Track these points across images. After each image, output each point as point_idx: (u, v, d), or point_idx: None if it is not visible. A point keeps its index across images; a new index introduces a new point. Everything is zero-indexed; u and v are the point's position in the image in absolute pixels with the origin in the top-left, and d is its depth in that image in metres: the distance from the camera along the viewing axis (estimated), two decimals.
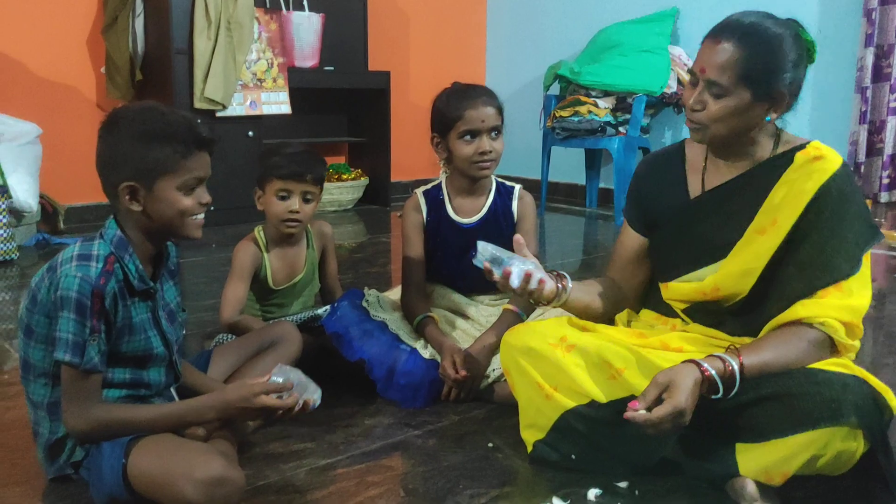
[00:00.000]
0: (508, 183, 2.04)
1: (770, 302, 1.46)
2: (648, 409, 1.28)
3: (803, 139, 1.50)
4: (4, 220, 3.19)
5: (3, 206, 3.20)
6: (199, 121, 1.40)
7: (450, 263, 2.01)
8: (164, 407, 1.40)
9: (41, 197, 3.64)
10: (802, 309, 1.39)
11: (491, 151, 1.88)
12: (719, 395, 1.31)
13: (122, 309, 1.36)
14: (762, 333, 1.44)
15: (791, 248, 1.44)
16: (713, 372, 1.31)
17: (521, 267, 1.46)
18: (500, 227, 1.97)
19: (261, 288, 2.01)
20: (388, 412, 1.78)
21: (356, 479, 1.47)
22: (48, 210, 3.79)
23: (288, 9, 4.35)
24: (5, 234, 3.19)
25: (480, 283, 1.92)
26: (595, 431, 1.45)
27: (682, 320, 1.58)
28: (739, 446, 1.36)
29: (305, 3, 4.40)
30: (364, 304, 1.90)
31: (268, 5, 4.30)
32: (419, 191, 2.02)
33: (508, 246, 1.78)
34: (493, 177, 2.02)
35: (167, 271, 1.50)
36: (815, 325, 1.38)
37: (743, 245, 1.47)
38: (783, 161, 1.46)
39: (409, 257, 1.98)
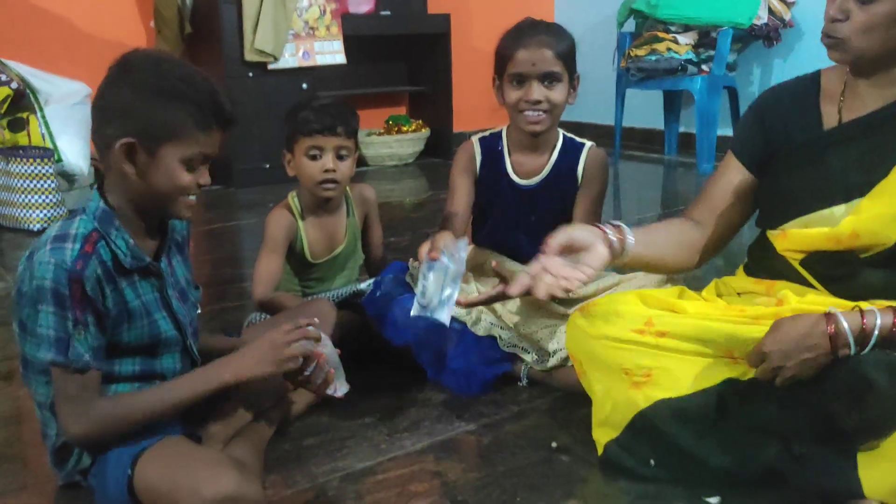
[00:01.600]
0: (579, 139, 1.77)
1: None
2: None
3: None
4: (53, 185, 3.10)
5: (52, 171, 3.10)
6: (224, 94, 1.21)
7: (505, 227, 1.77)
8: (168, 386, 1.22)
9: (94, 159, 3.55)
10: None
11: (541, 101, 1.61)
12: (852, 352, 1.10)
13: (113, 294, 1.17)
14: None
15: None
16: (846, 325, 1.09)
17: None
18: (562, 190, 1.72)
19: (298, 261, 1.81)
20: (438, 402, 1.57)
21: (397, 489, 1.27)
22: (101, 172, 3.71)
23: None
24: (54, 200, 3.10)
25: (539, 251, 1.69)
26: (684, 430, 1.22)
27: (796, 285, 1.30)
28: (862, 458, 1.11)
29: None
30: (408, 278, 1.68)
31: None
32: (475, 138, 1.79)
33: (566, 211, 1.64)
34: (560, 131, 1.75)
35: (174, 244, 1.32)
36: None
37: (888, 184, 1.22)
38: None
39: (453, 202, 1.75)
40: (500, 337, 1.63)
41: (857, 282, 1.25)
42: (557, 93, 1.62)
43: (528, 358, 1.61)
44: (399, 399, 1.58)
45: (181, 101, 1.16)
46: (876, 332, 1.08)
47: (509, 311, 1.67)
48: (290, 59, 3.87)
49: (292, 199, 1.81)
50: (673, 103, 4.50)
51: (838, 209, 1.26)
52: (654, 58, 3.88)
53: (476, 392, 1.59)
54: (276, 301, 1.70)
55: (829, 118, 1.32)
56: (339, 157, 1.74)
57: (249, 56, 3.75)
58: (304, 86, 3.94)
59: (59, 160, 3.23)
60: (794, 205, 1.31)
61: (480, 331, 1.63)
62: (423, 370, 1.62)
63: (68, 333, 1.12)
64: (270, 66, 3.82)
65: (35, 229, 3.07)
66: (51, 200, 3.09)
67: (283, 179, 1.82)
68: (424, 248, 1.51)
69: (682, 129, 4.54)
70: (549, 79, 1.61)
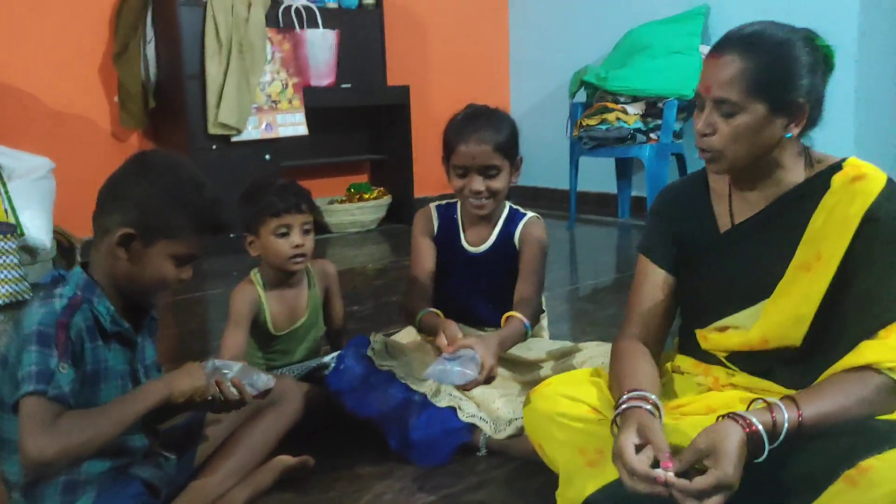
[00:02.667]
0: (522, 210, 1.89)
1: (826, 347, 1.27)
2: (686, 476, 1.10)
3: (835, 157, 1.32)
4: (15, 261, 3.10)
5: (14, 246, 3.11)
6: (224, 206, 1.35)
7: (461, 291, 1.88)
8: (113, 403, 1.26)
9: (56, 231, 3.56)
10: (870, 352, 1.20)
11: (482, 191, 1.74)
12: (763, 457, 1.13)
13: (92, 351, 1.25)
14: (821, 379, 1.25)
15: (843, 284, 1.25)
16: (760, 427, 1.12)
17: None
18: (506, 257, 1.84)
19: (261, 334, 1.87)
20: (402, 474, 1.62)
21: None
22: (64, 245, 3.71)
23: (301, 27, 4.23)
24: (17, 275, 3.10)
25: (493, 316, 1.78)
26: None
27: (726, 369, 1.39)
28: None
29: (319, 20, 4.28)
30: (370, 352, 1.74)
31: (281, 24, 4.18)
32: (433, 205, 1.93)
33: (512, 275, 1.76)
34: (506, 203, 1.87)
35: (147, 326, 1.39)
36: (883, 370, 1.19)
37: (787, 285, 1.29)
38: (818, 184, 1.28)
39: (417, 262, 1.87)
40: (459, 408, 1.69)
41: (776, 377, 1.32)
42: (498, 182, 1.75)
43: (487, 428, 1.67)
44: (362, 472, 1.62)
45: (186, 205, 1.28)
46: (785, 426, 1.13)
47: None
48: (253, 131, 3.96)
49: (254, 275, 1.89)
50: (625, 169, 4.68)
51: (748, 312, 1.32)
52: (604, 127, 4.05)
53: (438, 462, 1.64)
54: None
55: (723, 220, 1.38)
56: (305, 232, 1.84)
57: (213, 129, 3.83)
58: (267, 157, 4.03)
59: (22, 234, 3.25)
60: (706, 311, 1.38)
61: (441, 402, 1.69)
62: (386, 442, 1.66)
63: (51, 368, 1.17)
64: (234, 139, 3.91)
65: None
66: (13, 276, 3.09)
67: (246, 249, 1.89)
68: (442, 341, 1.60)
69: (634, 193, 4.71)
70: (489, 170, 1.73)
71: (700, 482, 1.08)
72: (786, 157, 1.30)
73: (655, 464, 1.13)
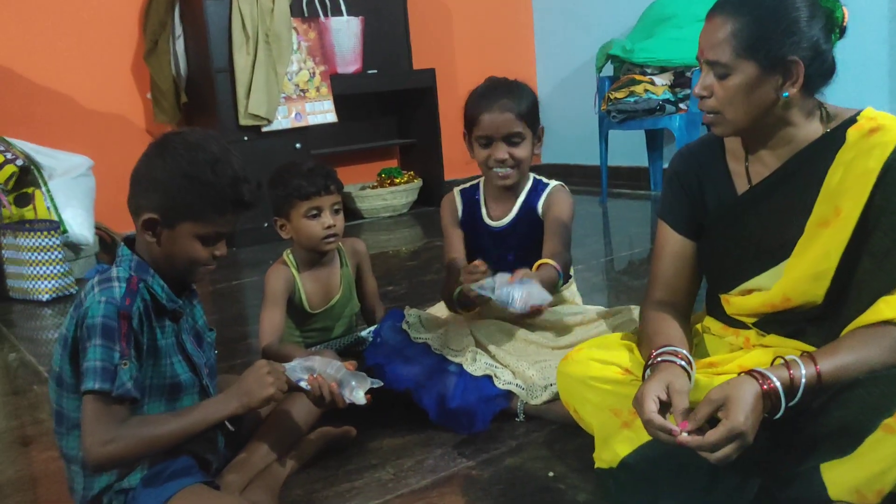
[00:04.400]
0: (546, 180, 1.90)
1: (849, 303, 1.26)
2: (702, 432, 1.11)
3: (851, 111, 1.29)
4: (60, 256, 3.21)
5: (58, 242, 3.21)
6: (248, 182, 1.31)
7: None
8: (184, 412, 1.31)
9: (97, 228, 3.67)
10: (887, 308, 1.19)
11: (506, 159, 1.76)
12: (780, 413, 1.13)
13: (149, 330, 1.29)
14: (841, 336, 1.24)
15: (864, 238, 1.24)
16: (777, 384, 1.12)
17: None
18: (530, 227, 1.85)
19: (297, 313, 1.92)
20: (440, 440, 1.65)
21: None
22: (106, 240, 3.82)
23: (326, 15, 4.27)
24: (62, 270, 3.21)
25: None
26: (667, 474, 1.26)
27: (757, 329, 1.39)
28: (825, 466, 1.18)
29: (343, 7, 4.31)
30: (404, 325, 1.77)
31: (305, 14, 4.22)
32: (457, 189, 1.96)
33: (539, 247, 1.75)
34: (531, 175, 1.89)
35: (190, 290, 1.43)
36: None
37: (806, 242, 1.28)
38: (833, 140, 1.26)
39: (450, 250, 1.89)
40: (495, 376, 1.71)
41: (807, 337, 1.31)
42: (521, 150, 1.76)
43: (523, 394, 1.70)
44: (402, 440, 1.66)
45: (203, 185, 1.26)
46: (803, 382, 1.13)
47: (503, 350, 1.76)
48: (283, 121, 4.02)
49: (287, 256, 1.93)
50: (655, 141, 4.64)
51: (769, 273, 1.32)
52: (633, 99, 4.02)
53: (476, 430, 1.66)
54: (282, 351, 1.79)
55: (740, 181, 1.38)
56: (335, 212, 1.87)
57: (244, 121, 3.90)
58: (298, 145, 4.08)
59: (65, 231, 3.35)
60: (728, 275, 1.38)
61: (477, 371, 1.72)
62: (425, 412, 1.70)
63: (114, 364, 1.21)
64: (264, 129, 3.97)
65: (44, 300, 3.16)
66: (59, 271, 3.20)
67: (281, 238, 1.93)
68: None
69: (665, 165, 4.67)
70: (512, 138, 1.75)
71: (712, 434, 1.09)
72: (794, 115, 1.28)
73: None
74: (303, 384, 1.39)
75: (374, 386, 1.44)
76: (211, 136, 1.35)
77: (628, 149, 4.76)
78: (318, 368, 1.41)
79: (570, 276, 1.95)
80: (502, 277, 1.51)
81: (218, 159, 1.28)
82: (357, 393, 1.41)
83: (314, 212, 1.85)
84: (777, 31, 1.22)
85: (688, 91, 4.00)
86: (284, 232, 1.90)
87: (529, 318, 1.61)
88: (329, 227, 1.86)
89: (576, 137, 4.96)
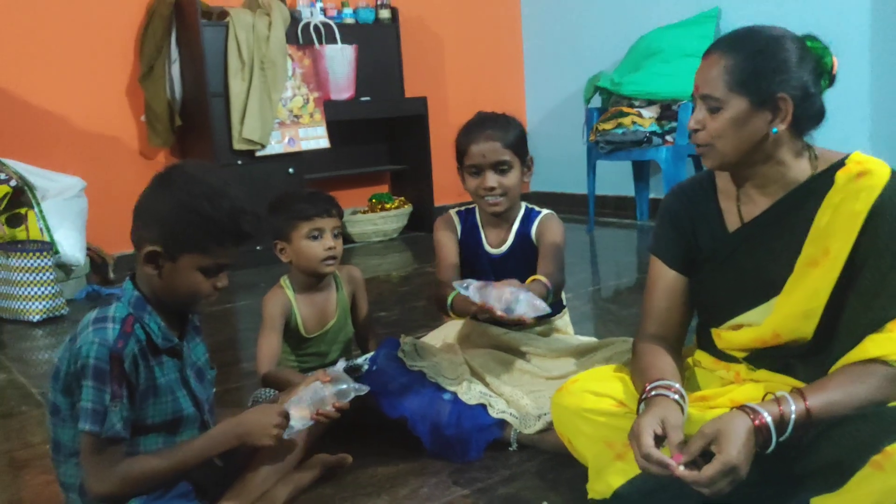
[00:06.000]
0: (537, 209, 1.97)
1: (839, 340, 1.30)
2: (696, 466, 1.15)
3: (839, 154, 1.34)
4: (52, 277, 3.21)
5: (50, 263, 3.22)
6: (247, 213, 1.34)
7: None
8: (184, 445, 1.35)
9: (89, 249, 3.68)
10: (873, 346, 1.24)
11: (495, 188, 1.83)
12: (771, 447, 1.16)
13: (145, 370, 1.31)
14: (830, 372, 1.29)
15: (851, 278, 1.28)
16: (769, 419, 1.16)
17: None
18: (525, 255, 1.91)
19: (293, 337, 1.95)
20: (435, 469, 1.68)
21: None
22: (97, 261, 3.82)
23: (321, 43, 4.33)
24: (53, 291, 3.21)
25: None
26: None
27: (747, 364, 1.43)
28: (814, 501, 1.22)
29: (337, 35, 4.38)
30: (400, 353, 1.80)
31: (300, 41, 4.29)
32: (453, 211, 2.02)
33: (535, 272, 1.80)
34: (522, 204, 1.95)
35: (192, 328, 1.45)
36: (889, 362, 1.22)
37: (796, 280, 1.32)
38: (822, 182, 1.31)
39: (443, 259, 1.93)
40: (489, 404, 1.74)
41: (796, 373, 1.35)
42: (510, 178, 1.84)
43: (517, 423, 1.73)
44: (397, 468, 1.68)
45: (202, 218, 1.29)
46: (793, 417, 1.16)
47: (498, 379, 1.80)
48: (276, 145, 4.06)
49: (284, 281, 1.97)
50: (642, 172, 4.73)
51: (760, 309, 1.36)
52: (620, 131, 4.10)
53: (470, 458, 1.69)
54: (281, 376, 1.82)
55: (731, 219, 1.41)
56: (335, 236, 1.92)
57: (238, 145, 3.93)
58: (291, 170, 4.12)
59: (57, 252, 3.36)
60: (719, 309, 1.42)
61: (472, 399, 1.74)
62: (419, 440, 1.72)
63: (105, 406, 1.24)
64: (258, 154, 4.01)
65: (35, 320, 3.16)
66: (50, 292, 3.20)
67: (274, 261, 1.98)
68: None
69: (652, 195, 4.76)
70: (500, 166, 1.83)
71: (708, 468, 1.12)
72: (784, 154, 1.33)
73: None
74: (308, 424, 1.49)
75: (360, 393, 1.54)
76: (211, 168, 1.38)
77: (615, 179, 4.85)
78: (311, 403, 1.50)
79: (563, 306, 2.00)
80: (486, 283, 1.58)
81: (216, 192, 1.30)
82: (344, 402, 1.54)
83: (315, 233, 1.89)
84: (768, 69, 1.27)
85: (674, 124, 4.09)
86: (284, 255, 1.93)
87: (515, 325, 1.66)
88: (330, 249, 1.90)
89: (564, 166, 5.04)
